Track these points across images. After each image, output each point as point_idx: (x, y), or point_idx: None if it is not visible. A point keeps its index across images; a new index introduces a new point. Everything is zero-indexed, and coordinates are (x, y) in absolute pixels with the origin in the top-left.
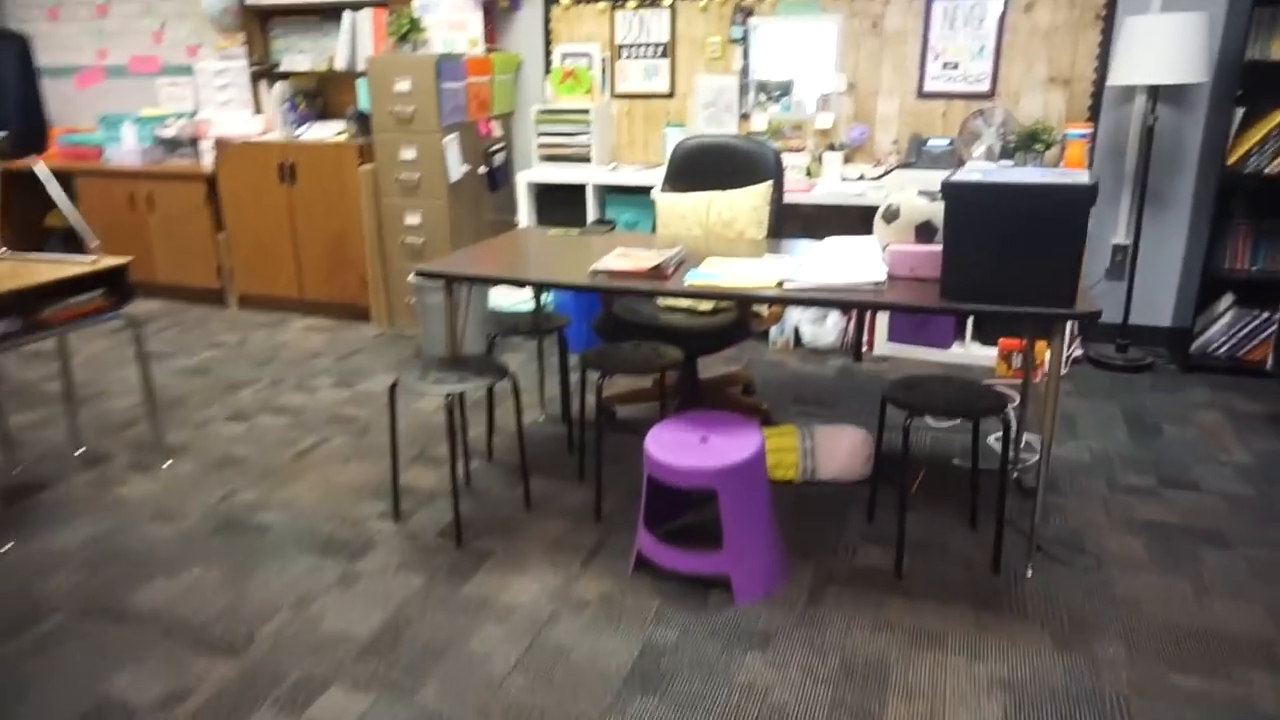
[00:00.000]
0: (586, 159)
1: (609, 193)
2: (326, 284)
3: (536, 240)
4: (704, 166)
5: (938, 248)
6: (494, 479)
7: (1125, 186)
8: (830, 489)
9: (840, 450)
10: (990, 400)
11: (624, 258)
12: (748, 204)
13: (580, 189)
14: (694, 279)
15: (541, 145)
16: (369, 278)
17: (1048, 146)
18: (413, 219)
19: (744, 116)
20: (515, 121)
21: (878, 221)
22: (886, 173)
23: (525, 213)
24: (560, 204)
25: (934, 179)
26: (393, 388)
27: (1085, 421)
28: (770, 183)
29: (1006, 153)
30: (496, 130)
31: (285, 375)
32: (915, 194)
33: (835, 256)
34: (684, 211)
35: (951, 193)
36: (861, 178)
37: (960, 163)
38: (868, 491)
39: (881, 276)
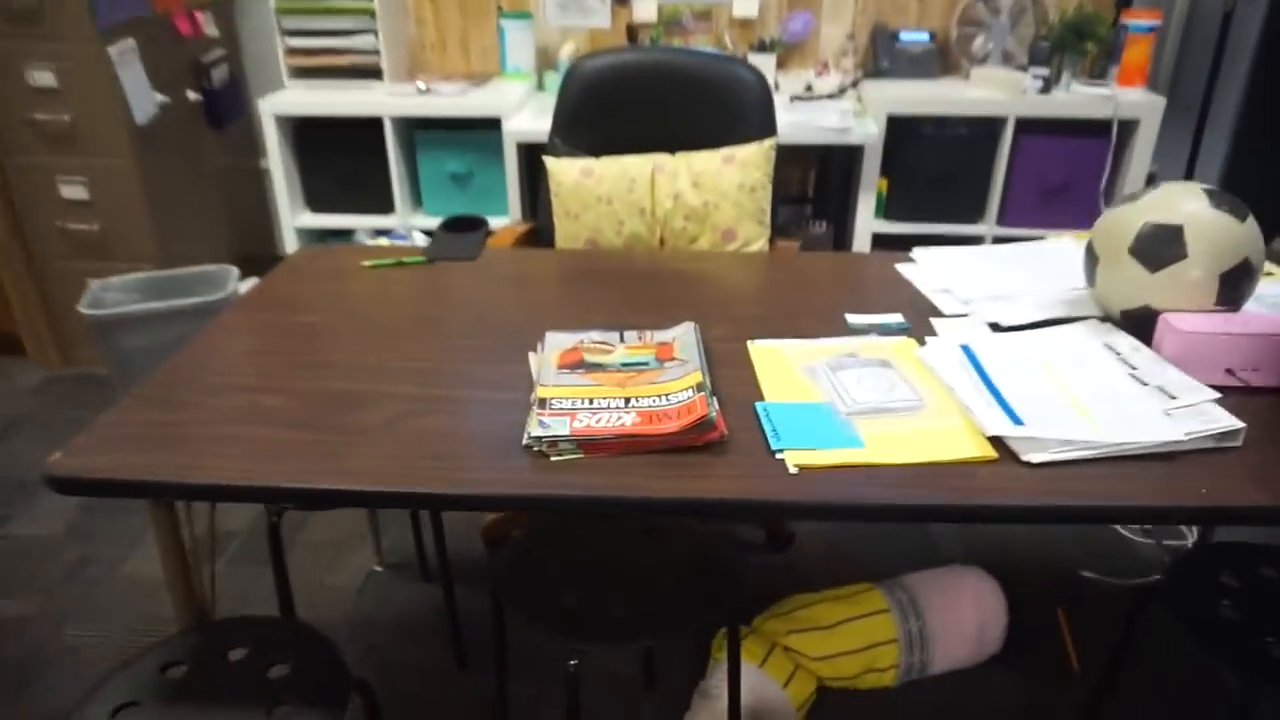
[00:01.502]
0: (374, 73)
1: (418, 128)
2: None
3: (339, 292)
4: (630, 107)
5: None
6: None
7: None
8: (948, 693)
9: (963, 621)
10: None
11: (584, 375)
12: (734, 180)
13: (372, 124)
14: (800, 449)
15: (292, 51)
16: (10, 292)
17: (1100, 45)
18: (74, 190)
19: (620, 0)
20: (240, 11)
21: (1117, 255)
22: (848, 85)
23: (277, 164)
24: (337, 146)
25: (917, 92)
26: None
27: None
28: (773, 140)
29: (1038, 57)
30: (208, 28)
31: None
32: (1202, 198)
33: (1028, 325)
34: (606, 192)
35: None
36: (809, 91)
37: (954, 67)
38: (1013, 688)
39: (1233, 420)
